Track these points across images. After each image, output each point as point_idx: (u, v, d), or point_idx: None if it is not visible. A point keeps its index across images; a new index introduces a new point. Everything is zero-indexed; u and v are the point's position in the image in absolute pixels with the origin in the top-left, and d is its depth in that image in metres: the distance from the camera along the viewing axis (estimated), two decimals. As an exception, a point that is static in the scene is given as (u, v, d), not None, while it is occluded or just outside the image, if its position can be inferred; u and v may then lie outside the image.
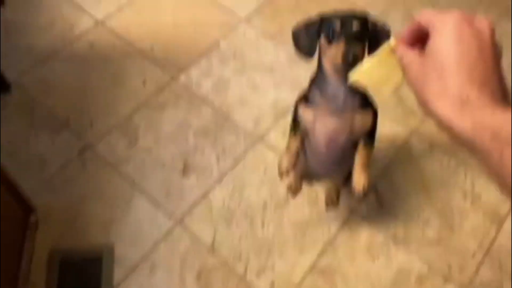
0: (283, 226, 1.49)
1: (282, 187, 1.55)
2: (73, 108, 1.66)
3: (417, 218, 1.55)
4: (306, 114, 1.10)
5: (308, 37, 1.05)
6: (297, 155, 1.17)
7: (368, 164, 1.13)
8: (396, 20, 1.91)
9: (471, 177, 1.64)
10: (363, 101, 1.07)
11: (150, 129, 1.63)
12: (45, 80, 1.70)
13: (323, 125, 1.09)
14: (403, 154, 1.67)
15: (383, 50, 0.54)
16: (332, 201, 1.47)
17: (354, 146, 1.12)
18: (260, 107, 1.72)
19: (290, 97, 1.74)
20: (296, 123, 1.15)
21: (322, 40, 1.02)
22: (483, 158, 0.42)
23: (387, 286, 1.42)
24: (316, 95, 1.07)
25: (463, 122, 0.43)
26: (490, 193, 1.60)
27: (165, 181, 1.53)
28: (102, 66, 1.76)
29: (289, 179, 1.41)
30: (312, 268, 1.43)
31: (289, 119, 1.69)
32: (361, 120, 1.08)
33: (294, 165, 1.18)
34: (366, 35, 1.00)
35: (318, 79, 1.07)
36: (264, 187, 1.55)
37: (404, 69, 0.50)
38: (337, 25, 0.98)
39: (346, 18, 0.99)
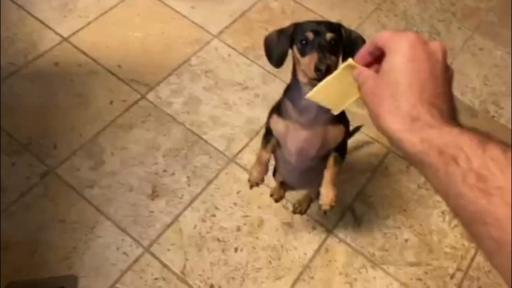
0: (257, 251, 1.42)
1: (256, 210, 1.49)
2: (35, 129, 1.57)
3: (395, 239, 1.50)
4: (278, 126, 1.06)
5: (279, 45, 1.00)
6: (267, 166, 1.15)
7: (337, 180, 1.10)
8: (369, 35, 1.88)
9: (448, 196, 1.60)
10: (335, 116, 1.02)
11: (116, 151, 1.55)
12: (4, 99, 1.61)
13: (294, 137, 1.05)
14: (380, 173, 1.63)
15: (342, 68, 0.56)
16: (300, 210, 1.44)
17: (324, 159, 1.08)
18: (233, 126, 1.66)
19: (264, 115, 1.68)
20: (268, 134, 1.11)
21: (295, 49, 0.97)
22: (431, 174, 0.44)
23: (365, 312, 1.36)
24: (288, 107, 1.03)
25: (412, 137, 0.45)
26: (468, 212, 1.57)
27: (132, 206, 1.46)
28: (67, 85, 1.68)
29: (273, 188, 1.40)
30: (288, 295, 1.37)
31: (262, 138, 1.65)
32: (332, 134, 1.05)
33: (263, 178, 1.16)
34: (340, 45, 0.96)
35: (291, 90, 1.03)
36: (237, 210, 1.48)
37: (360, 86, 0.53)
38: (310, 35, 0.94)
39: (320, 28, 0.95)
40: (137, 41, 1.82)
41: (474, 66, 1.98)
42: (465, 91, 1.89)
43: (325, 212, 1.14)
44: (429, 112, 0.46)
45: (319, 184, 1.10)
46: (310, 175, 1.17)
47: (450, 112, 0.47)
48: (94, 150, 1.54)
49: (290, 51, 0.99)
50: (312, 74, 0.92)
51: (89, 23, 1.85)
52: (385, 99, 0.48)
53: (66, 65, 1.74)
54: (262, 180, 1.16)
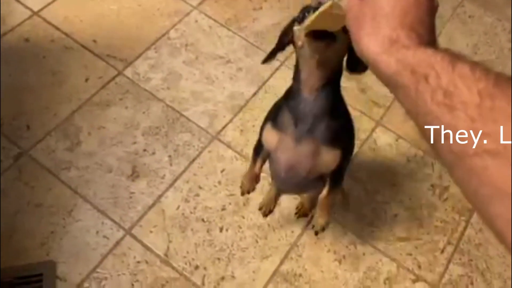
0: (243, 230, 1.38)
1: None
2: (7, 110, 1.49)
3: (384, 215, 1.47)
4: (270, 137, 0.98)
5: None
6: (259, 177, 1.13)
7: (331, 206, 1.09)
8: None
9: (438, 169, 1.57)
10: (333, 134, 0.94)
11: (93, 130, 1.48)
12: (-27, 79, 1.52)
13: (285, 153, 0.97)
14: (368, 147, 1.58)
15: (328, 3, 0.62)
16: (303, 211, 1.40)
17: (318, 176, 1.02)
18: (216, 101, 1.59)
19: (247, 89, 1.64)
20: (259, 145, 1.04)
21: (296, 29, 0.87)
22: (404, 95, 0.45)
23: (356, 286, 1.34)
24: (285, 115, 0.93)
25: (388, 58, 0.46)
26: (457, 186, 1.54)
27: (112, 187, 1.40)
28: (39, 62, 1.60)
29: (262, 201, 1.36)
30: (275, 274, 1.33)
31: (247, 114, 1.59)
32: (325, 158, 0.95)
33: (255, 187, 1.16)
34: None
35: (290, 93, 0.93)
36: (222, 189, 1.43)
37: (347, 11, 0.55)
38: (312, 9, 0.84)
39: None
40: (113, 14, 1.73)
41: (464, 35, 1.92)
42: (454, 60, 1.84)
43: (316, 233, 1.12)
44: (408, 36, 0.47)
45: (316, 191, 1.07)
46: (302, 188, 1.16)
47: (429, 39, 0.48)
48: (69, 130, 1.47)
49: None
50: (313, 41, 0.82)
51: (62, -4, 1.75)
52: (367, 22, 0.50)
53: (37, 41, 1.65)
54: (254, 189, 1.15)
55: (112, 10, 1.74)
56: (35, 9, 1.71)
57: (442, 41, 1.75)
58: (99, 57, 1.62)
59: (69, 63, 1.61)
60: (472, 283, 1.39)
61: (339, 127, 0.95)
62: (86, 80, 1.58)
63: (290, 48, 0.89)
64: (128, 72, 1.60)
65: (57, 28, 1.68)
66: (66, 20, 1.70)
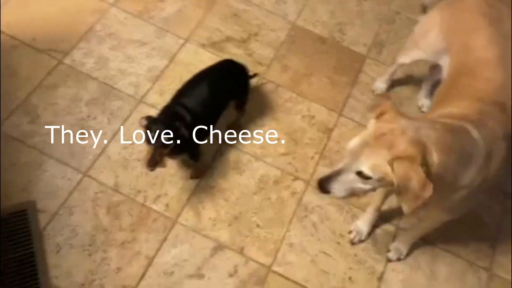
0: (170, 162, 1.91)
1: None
2: (-25, 99, 1.93)
3: (270, 139, 2.06)
4: None
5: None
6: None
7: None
8: None
9: (307, 104, 2.18)
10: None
11: (48, 106, 1.95)
12: None
13: None
14: (257, 93, 2.16)
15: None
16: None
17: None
18: (138, 75, 2.11)
19: (161, 63, 2.16)
20: None
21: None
22: None
23: (253, 190, 1.92)
24: None
25: None
26: (321, 114, 2.16)
27: (68, 145, 1.89)
28: (-6, 60, 2.03)
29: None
30: (196, 188, 1.89)
31: (163, 81, 2.11)
32: None
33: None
34: (174, 141, 1.53)
35: None
36: (150, 136, 1.96)
37: None
38: (152, 134, 1.50)
39: (161, 128, 1.51)
40: (47, 17, 2.18)
41: (323, 3, 2.53)
42: (316, 24, 2.45)
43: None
44: None
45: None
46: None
47: None
48: (29, 108, 1.94)
49: None
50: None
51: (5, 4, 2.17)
52: None
53: (-12, 44, 2.08)
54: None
55: (46, 13, 2.19)
56: (-18, 19, 2.13)
57: (306, 13, 2.38)
58: (41, 51, 2.08)
59: (18, 58, 2.05)
60: (332, 176, 2.01)
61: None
62: (34, 70, 2.03)
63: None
64: (67, 60, 2.08)
65: (3, 32, 2.11)
66: (9, 24, 2.13)
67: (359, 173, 1.18)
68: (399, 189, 1.14)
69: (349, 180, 1.21)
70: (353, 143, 1.20)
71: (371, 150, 1.15)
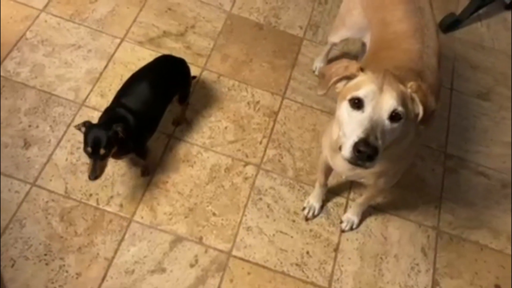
0: (119, 162, 1.91)
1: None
2: None
3: (218, 128, 2.09)
4: None
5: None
6: None
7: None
8: None
9: (251, 91, 2.22)
10: None
11: (-16, 120, 1.90)
12: None
13: None
14: (200, 86, 2.18)
15: None
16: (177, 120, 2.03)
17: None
18: (76, 79, 2.08)
19: (99, 64, 2.14)
20: None
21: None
22: None
23: (205, 181, 1.95)
24: None
25: None
26: (265, 99, 2.20)
27: (12, 157, 1.85)
28: None
29: None
30: (149, 185, 1.90)
31: (103, 82, 2.09)
32: None
33: None
34: (115, 145, 1.55)
35: None
36: (96, 139, 1.94)
37: None
38: (88, 149, 1.52)
39: (99, 138, 1.50)
40: (-27, 29, 2.11)
41: (256, -9, 2.57)
42: (251, 11, 2.48)
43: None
44: None
45: None
46: None
47: None
48: (-36, 124, 1.88)
49: None
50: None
51: None
52: None
53: None
54: None
55: (-29, 25, 2.12)
56: None
57: (241, 1, 2.38)
58: (-29, 65, 2.02)
59: None
60: (282, 157, 2.06)
61: None
62: (-34, 85, 1.97)
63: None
64: (1, 71, 2.02)
65: None
66: None
67: (392, 116, 1.12)
68: (424, 116, 1.17)
69: (384, 131, 1.11)
70: (362, 92, 1.12)
71: (391, 90, 1.12)
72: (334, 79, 1.21)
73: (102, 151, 1.51)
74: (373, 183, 1.56)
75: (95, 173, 1.53)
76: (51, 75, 2.07)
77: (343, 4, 1.89)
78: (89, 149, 1.51)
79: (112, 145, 1.54)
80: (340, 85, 1.23)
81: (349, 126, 1.13)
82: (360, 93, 1.13)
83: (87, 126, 1.54)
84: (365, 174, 1.44)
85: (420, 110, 1.17)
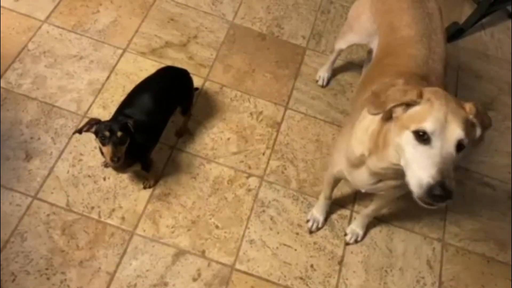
0: (120, 175, 1.90)
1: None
2: None
3: (221, 139, 2.07)
4: None
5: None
6: None
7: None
8: None
9: (253, 101, 2.20)
10: None
11: (-14, 132, 1.89)
12: None
13: None
14: (201, 97, 2.17)
15: None
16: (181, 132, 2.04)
17: None
18: (79, 90, 2.07)
19: (101, 75, 2.13)
20: None
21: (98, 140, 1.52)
22: None
23: (208, 193, 1.93)
24: None
25: None
26: (268, 109, 2.19)
27: (13, 170, 1.83)
28: None
29: None
30: (151, 197, 1.88)
31: (105, 94, 2.08)
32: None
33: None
34: (128, 136, 1.54)
35: None
36: (98, 151, 1.92)
37: None
38: (106, 133, 1.49)
39: (113, 126, 1.50)
40: (-25, 40, 2.11)
41: (259, 0, 2.56)
42: (254, 21, 2.47)
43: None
44: None
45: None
46: None
47: None
48: (-35, 136, 1.87)
49: None
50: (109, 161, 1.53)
51: None
52: None
53: None
54: None
55: (-27, 37, 2.11)
56: None
57: (243, 11, 2.40)
58: (-27, 77, 2.01)
59: (-52, 87, 1.97)
60: (285, 169, 2.05)
61: None
62: (-32, 96, 1.96)
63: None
64: (2, 82, 2.01)
65: None
66: None
67: (457, 146, 1.06)
68: (480, 137, 1.13)
69: (453, 163, 1.05)
70: (430, 126, 1.05)
71: (456, 120, 1.06)
72: (392, 104, 1.12)
73: (119, 134, 1.51)
74: (386, 194, 1.54)
75: (117, 155, 1.51)
76: (53, 86, 2.06)
77: (352, 9, 1.88)
78: (107, 132, 1.50)
79: (128, 132, 1.54)
80: (398, 110, 1.13)
81: (417, 161, 1.06)
82: (427, 127, 1.05)
83: (96, 121, 1.55)
84: (386, 187, 1.41)
85: (478, 133, 1.13)
